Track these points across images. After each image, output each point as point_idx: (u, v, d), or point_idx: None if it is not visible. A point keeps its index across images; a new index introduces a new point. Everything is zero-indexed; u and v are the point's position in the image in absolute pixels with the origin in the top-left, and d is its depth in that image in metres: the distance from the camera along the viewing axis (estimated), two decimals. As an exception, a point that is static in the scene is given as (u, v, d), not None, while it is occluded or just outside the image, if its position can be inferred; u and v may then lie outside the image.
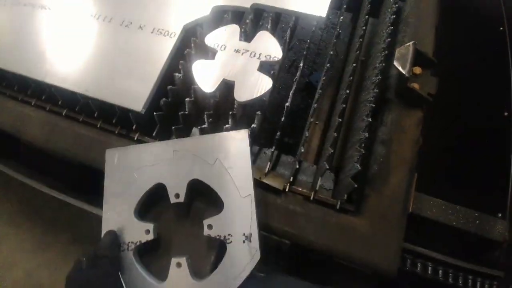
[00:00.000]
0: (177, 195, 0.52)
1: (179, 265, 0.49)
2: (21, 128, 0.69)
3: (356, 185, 0.49)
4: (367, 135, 0.50)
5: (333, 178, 0.60)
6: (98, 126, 0.66)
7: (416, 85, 0.58)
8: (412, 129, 0.58)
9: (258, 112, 0.54)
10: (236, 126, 0.56)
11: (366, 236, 0.53)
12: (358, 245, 0.52)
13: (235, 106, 0.56)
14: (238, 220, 0.50)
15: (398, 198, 0.54)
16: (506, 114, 0.75)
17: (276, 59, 0.57)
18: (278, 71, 0.63)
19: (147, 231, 0.51)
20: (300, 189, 0.57)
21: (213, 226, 0.50)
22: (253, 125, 0.54)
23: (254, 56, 0.58)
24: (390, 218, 0.54)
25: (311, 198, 0.56)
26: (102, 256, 0.43)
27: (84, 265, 0.40)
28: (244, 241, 0.49)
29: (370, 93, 0.55)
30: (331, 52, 0.61)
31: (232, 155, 0.52)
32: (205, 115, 0.57)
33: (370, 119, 0.51)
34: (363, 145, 0.51)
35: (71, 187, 0.82)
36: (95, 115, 0.64)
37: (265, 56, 0.57)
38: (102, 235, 0.50)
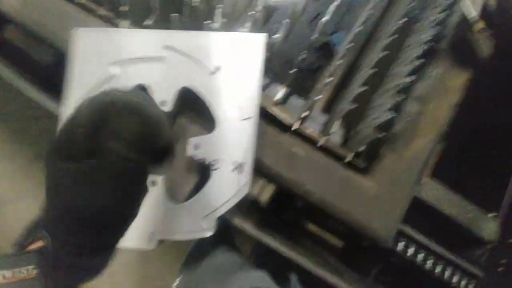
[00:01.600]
0: (162, 102, 0.42)
1: (153, 183, 0.41)
2: None
3: (380, 136, 0.40)
4: (415, 78, 0.41)
5: (343, 133, 0.52)
6: (81, 2, 0.52)
7: (474, 40, 0.48)
8: (454, 92, 0.49)
9: (287, 20, 0.43)
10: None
11: (370, 197, 0.46)
12: (359, 205, 0.46)
13: (258, 6, 0.44)
14: (231, 145, 0.41)
15: (417, 165, 0.47)
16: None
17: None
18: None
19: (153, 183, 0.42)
20: (308, 131, 0.48)
21: (200, 147, 0.41)
22: (276, 35, 0.43)
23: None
24: (402, 184, 0.47)
25: (319, 145, 0.47)
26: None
27: None
28: (233, 170, 0.41)
29: (426, 32, 0.45)
30: (369, 11, 0.48)
31: (239, 64, 0.42)
32: (218, 11, 0.44)
33: (423, 60, 0.41)
34: (401, 91, 0.42)
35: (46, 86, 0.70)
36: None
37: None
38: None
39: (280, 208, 0.89)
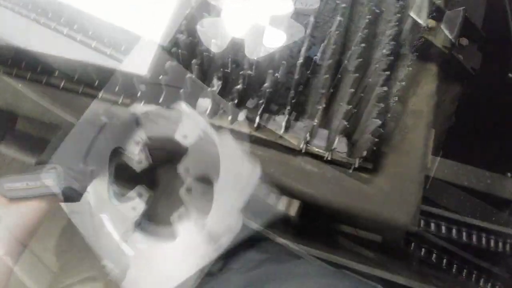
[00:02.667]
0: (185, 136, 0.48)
1: (180, 217, 0.48)
2: (17, 104, 0.66)
3: (377, 139, 0.47)
4: (386, 89, 0.48)
5: (346, 142, 0.59)
6: (99, 97, 0.63)
7: (460, 57, 0.55)
8: (427, 83, 0.56)
9: (270, 71, 0.52)
10: (247, 87, 0.53)
11: (385, 192, 0.52)
12: (377, 201, 0.52)
13: (245, 66, 0.53)
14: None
15: (417, 153, 0.53)
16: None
17: (287, 11, 0.54)
18: (314, 23, 0.60)
19: (134, 209, 0.48)
20: (316, 149, 0.55)
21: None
22: (265, 85, 0.52)
23: (264, 10, 0.54)
24: (409, 173, 0.53)
25: (327, 158, 0.55)
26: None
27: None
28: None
29: (386, 46, 0.53)
30: (337, 32, 0.57)
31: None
32: (215, 78, 0.54)
33: (388, 72, 0.49)
34: (381, 100, 0.49)
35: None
36: (96, 84, 0.61)
37: (276, 9, 0.54)
38: None
39: (310, 218, 0.94)
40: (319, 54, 0.59)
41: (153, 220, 0.51)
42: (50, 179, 0.37)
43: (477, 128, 0.78)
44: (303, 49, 0.56)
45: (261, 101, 0.53)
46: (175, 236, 0.48)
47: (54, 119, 0.64)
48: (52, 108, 0.64)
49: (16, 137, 1.13)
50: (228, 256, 0.48)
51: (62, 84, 0.65)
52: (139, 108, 0.51)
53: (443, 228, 0.69)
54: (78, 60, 0.57)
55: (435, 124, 0.53)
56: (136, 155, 0.49)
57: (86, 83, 0.63)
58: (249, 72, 0.52)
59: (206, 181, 0.49)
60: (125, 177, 0.51)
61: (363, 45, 0.50)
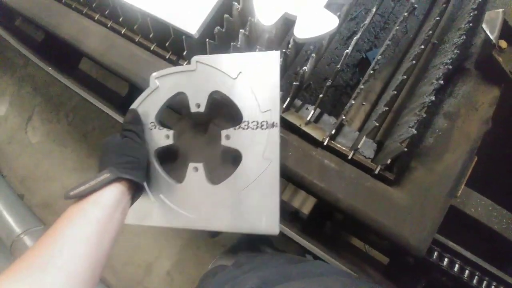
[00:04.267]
0: (197, 105, 0.52)
1: (195, 169, 0.51)
2: (82, 39, 0.73)
3: (406, 149, 0.44)
4: (433, 98, 0.44)
5: (374, 148, 0.56)
6: (151, 49, 0.67)
7: (499, 58, 0.49)
8: (485, 108, 0.50)
9: (313, 55, 0.50)
10: (287, 66, 0.53)
11: (401, 207, 0.49)
12: (389, 214, 0.49)
13: (289, 44, 0.52)
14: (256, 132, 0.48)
15: (450, 177, 0.49)
16: None
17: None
18: (345, 14, 0.57)
19: (167, 136, 0.51)
20: (339, 146, 0.54)
21: (231, 137, 0.49)
22: (304, 67, 0.51)
23: (323, -6, 0.52)
24: (434, 196, 0.49)
25: (349, 158, 0.53)
26: (128, 130, 0.49)
27: (116, 136, 0.48)
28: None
29: (448, 54, 0.48)
30: (397, 27, 0.53)
31: (258, 73, 0.49)
32: (257, 50, 0.54)
33: (442, 82, 0.45)
34: (424, 109, 0.46)
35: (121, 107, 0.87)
36: (151, 36, 0.65)
37: (335, -5, 0.52)
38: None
39: (320, 219, 0.92)
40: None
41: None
42: (105, 174, 0.42)
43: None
44: (352, 42, 0.53)
45: (295, 83, 0.52)
46: (180, 181, 0.51)
47: (109, 63, 0.70)
48: (110, 52, 0.70)
49: (80, 74, 1.26)
50: (243, 253, 0.49)
51: (123, 31, 0.70)
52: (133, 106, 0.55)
53: (456, 266, 0.64)
54: (142, 10, 0.60)
55: (473, 130, 0.48)
56: (161, 136, 0.52)
57: (143, 34, 0.67)
58: (289, 51, 0.51)
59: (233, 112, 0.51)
60: (175, 159, 0.54)
61: (422, 47, 0.46)
